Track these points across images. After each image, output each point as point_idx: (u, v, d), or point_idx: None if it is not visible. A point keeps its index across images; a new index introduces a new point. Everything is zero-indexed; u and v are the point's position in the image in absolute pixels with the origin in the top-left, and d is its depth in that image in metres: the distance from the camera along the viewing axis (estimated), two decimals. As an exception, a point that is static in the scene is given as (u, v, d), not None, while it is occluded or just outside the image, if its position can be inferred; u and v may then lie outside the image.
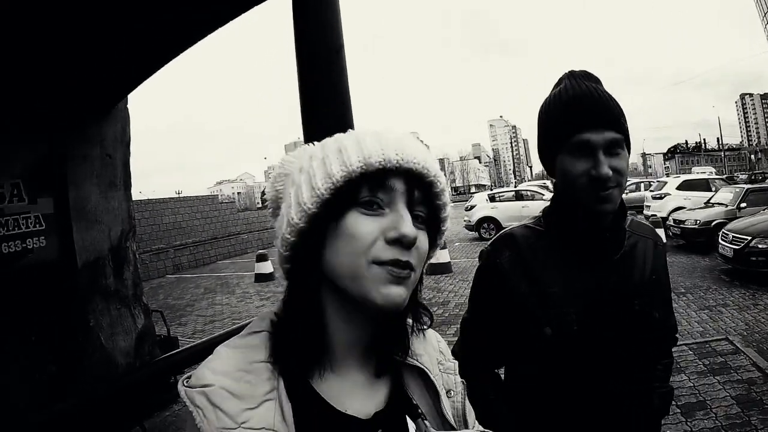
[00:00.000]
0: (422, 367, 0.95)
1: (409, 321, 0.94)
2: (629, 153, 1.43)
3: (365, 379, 0.89)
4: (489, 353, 1.59)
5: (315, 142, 0.89)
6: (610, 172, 1.31)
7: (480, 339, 1.58)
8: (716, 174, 43.54)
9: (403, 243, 0.77)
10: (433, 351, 1.03)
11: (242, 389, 0.74)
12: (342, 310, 0.84)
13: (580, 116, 1.35)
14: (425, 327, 0.98)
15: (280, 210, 0.88)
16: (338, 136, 0.85)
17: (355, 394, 0.85)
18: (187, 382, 0.75)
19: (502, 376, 1.67)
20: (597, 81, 1.44)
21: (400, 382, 0.93)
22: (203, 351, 3.03)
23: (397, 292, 0.78)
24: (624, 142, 1.37)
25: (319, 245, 0.79)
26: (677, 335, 1.76)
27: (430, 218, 0.86)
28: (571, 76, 1.46)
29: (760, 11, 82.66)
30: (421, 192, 0.82)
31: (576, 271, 1.44)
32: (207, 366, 0.76)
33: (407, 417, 0.89)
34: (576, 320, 1.40)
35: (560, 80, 1.48)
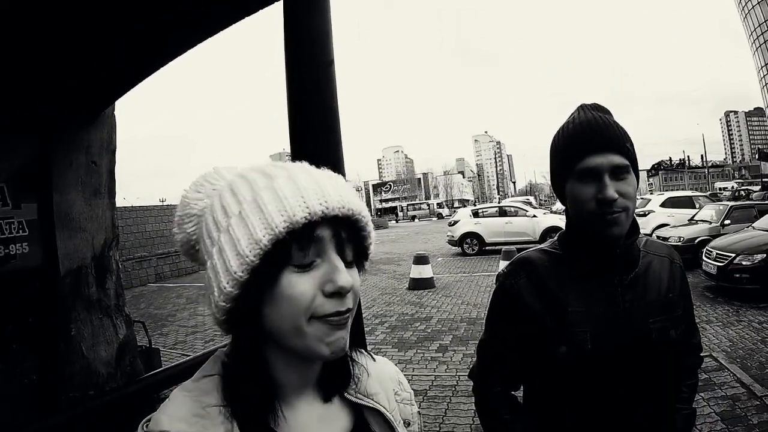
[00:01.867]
0: (378, 407, 0.97)
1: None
2: (638, 179, 1.46)
3: (320, 414, 0.90)
4: (506, 374, 1.62)
5: (216, 175, 0.89)
6: (616, 195, 1.35)
7: (496, 360, 1.62)
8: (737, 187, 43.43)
9: (342, 293, 0.78)
10: (390, 382, 1.06)
11: None
12: (287, 357, 0.84)
13: (585, 142, 1.41)
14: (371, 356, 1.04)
15: (198, 255, 0.91)
16: (247, 174, 0.82)
17: (311, 430, 0.87)
18: (146, 426, 0.78)
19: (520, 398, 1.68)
20: (606, 111, 1.48)
21: (363, 418, 0.95)
22: (188, 370, 3.01)
23: (341, 338, 0.80)
24: (630, 167, 1.41)
25: (256, 306, 0.78)
26: (702, 354, 1.81)
27: (357, 253, 0.87)
28: (581, 108, 1.51)
29: (747, 30, 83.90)
30: (346, 231, 0.82)
31: (591, 292, 1.48)
32: (164, 412, 0.79)
33: None
34: (590, 339, 1.42)
35: (571, 114, 1.52)
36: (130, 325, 4.92)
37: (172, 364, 3.05)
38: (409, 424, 1.04)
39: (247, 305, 0.78)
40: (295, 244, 0.76)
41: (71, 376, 3.59)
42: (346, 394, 0.95)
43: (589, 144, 1.39)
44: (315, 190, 0.76)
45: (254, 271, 0.75)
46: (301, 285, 0.76)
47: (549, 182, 1.64)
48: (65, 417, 2.37)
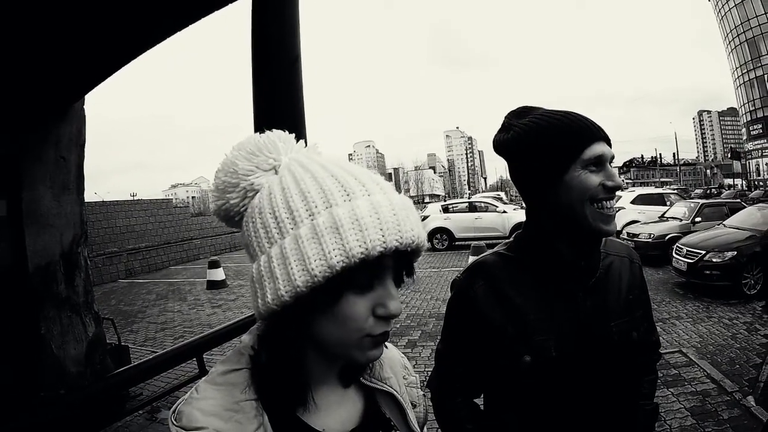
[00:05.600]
0: (391, 391, 1.01)
1: None
2: None
3: (339, 398, 0.93)
4: (466, 384, 1.57)
5: (271, 146, 0.86)
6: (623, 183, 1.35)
7: (456, 370, 1.56)
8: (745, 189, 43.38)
9: (391, 318, 0.81)
10: (400, 368, 1.10)
11: (233, 429, 0.77)
12: (319, 354, 0.86)
13: (588, 130, 1.38)
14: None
15: (238, 223, 0.88)
16: (317, 173, 0.80)
17: (331, 414, 0.90)
18: (177, 421, 0.77)
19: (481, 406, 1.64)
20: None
21: (374, 400, 0.99)
22: (156, 366, 2.98)
23: (380, 352, 0.85)
24: None
25: (308, 317, 0.79)
26: (660, 350, 1.78)
27: (406, 272, 0.88)
28: (526, 109, 1.49)
29: (723, 32, 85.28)
30: (406, 258, 0.84)
31: (551, 298, 1.44)
32: (195, 407, 0.78)
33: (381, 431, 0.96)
34: (554, 346, 1.39)
35: (518, 115, 1.48)
36: (99, 322, 4.86)
37: (142, 361, 3.01)
38: (415, 406, 1.09)
39: (298, 313, 0.78)
40: (365, 272, 0.76)
41: (41, 375, 3.55)
42: (362, 379, 1.00)
43: (593, 133, 1.37)
44: (393, 225, 0.76)
45: (316, 288, 0.74)
46: (358, 307, 0.78)
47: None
48: (37, 418, 2.33)
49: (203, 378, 0.84)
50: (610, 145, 1.40)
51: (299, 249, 0.74)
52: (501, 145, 1.47)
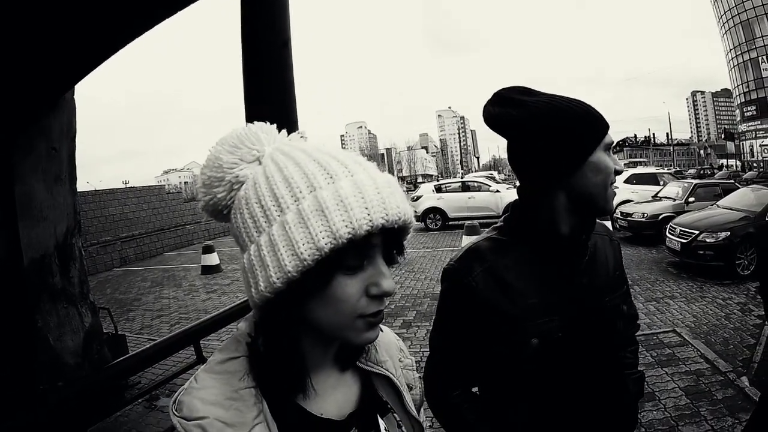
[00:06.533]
0: (387, 374, 1.02)
1: None
2: None
3: (335, 383, 0.95)
4: (464, 375, 1.58)
5: (253, 138, 0.87)
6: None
7: (454, 361, 1.55)
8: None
9: (384, 296, 0.82)
10: (395, 351, 1.12)
11: (234, 417, 0.78)
12: (315, 338, 0.88)
13: (602, 117, 1.43)
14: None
15: (226, 217, 0.88)
16: (299, 159, 0.81)
17: (328, 399, 0.91)
18: (178, 411, 0.78)
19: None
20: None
21: (370, 383, 1.01)
22: (153, 355, 2.98)
23: (376, 333, 0.86)
24: None
25: (301, 299, 0.80)
26: (638, 322, 1.85)
27: (396, 251, 0.89)
28: (527, 89, 1.48)
29: (717, 13, 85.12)
30: (394, 236, 0.85)
31: (549, 280, 1.46)
32: (196, 396, 0.79)
33: (378, 415, 0.96)
34: (559, 327, 1.42)
35: (523, 92, 1.46)
36: (95, 312, 4.86)
37: (139, 350, 3.02)
38: (411, 388, 1.12)
39: (292, 298, 0.79)
40: (353, 252, 0.77)
41: (39, 368, 3.55)
42: (358, 362, 1.02)
43: (605, 120, 1.42)
44: (378, 202, 0.76)
45: (307, 272, 0.75)
46: (349, 287, 0.79)
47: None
48: (37, 413, 2.34)
49: (202, 367, 0.85)
50: None
51: (287, 235, 0.75)
52: (508, 121, 1.43)
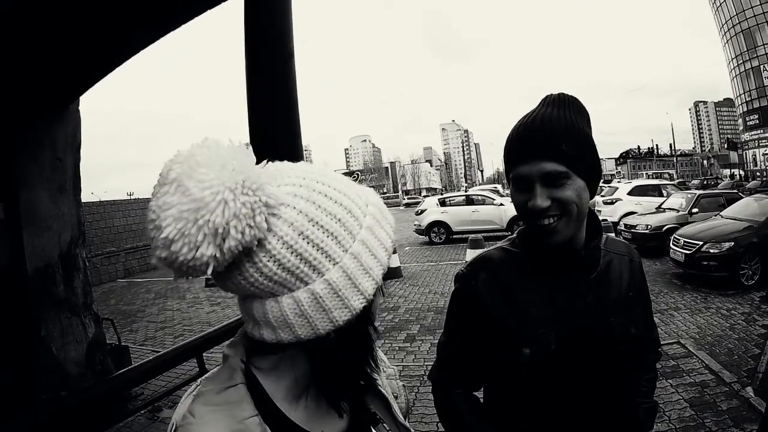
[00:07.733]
0: (379, 389, 1.04)
1: None
2: (593, 178, 1.40)
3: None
4: (466, 375, 1.59)
5: (304, 172, 0.81)
6: (545, 204, 1.30)
7: (457, 362, 1.58)
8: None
9: None
10: (381, 364, 1.16)
11: None
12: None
13: (516, 151, 1.37)
14: None
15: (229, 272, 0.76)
16: (364, 196, 0.88)
17: (325, 416, 0.92)
18: None
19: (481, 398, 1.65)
20: (566, 104, 1.39)
21: (360, 398, 1.02)
22: (156, 367, 2.98)
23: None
24: (570, 172, 1.33)
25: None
26: (660, 349, 1.78)
27: None
28: (542, 102, 1.41)
29: (718, 23, 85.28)
30: None
31: (553, 292, 1.44)
32: None
33: (371, 427, 0.99)
34: (554, 340, 1.40)
35: (532, 109, 1.45)
36: (98, 323, 4.86)
37: (142, 362, 3.02)
38: (397, 397, 1.15)
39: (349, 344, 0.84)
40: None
41: (42, 377, 3.55)
42: None
43: (519, 153, 1.35)
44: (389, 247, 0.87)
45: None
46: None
47: None
48: (39, 421, 2.34)
49: (194, 400, 0.80)
50: (559, 158, 1.33)
51: (368, 249, 0.83)
52: (587, 137, 1.39)
